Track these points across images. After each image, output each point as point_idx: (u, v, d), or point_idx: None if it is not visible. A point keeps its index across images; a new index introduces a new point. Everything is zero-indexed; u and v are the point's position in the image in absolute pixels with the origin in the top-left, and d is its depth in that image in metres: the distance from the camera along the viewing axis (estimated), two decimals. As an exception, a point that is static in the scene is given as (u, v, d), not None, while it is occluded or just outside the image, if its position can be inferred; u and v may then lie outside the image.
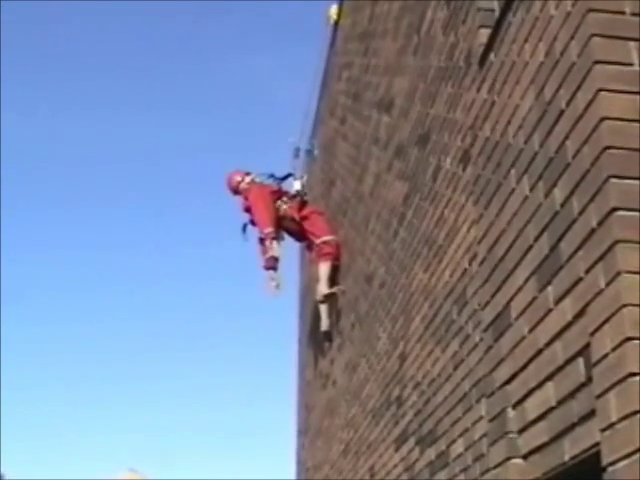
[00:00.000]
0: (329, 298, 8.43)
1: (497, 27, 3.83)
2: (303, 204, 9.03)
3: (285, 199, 8.92)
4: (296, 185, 9.18)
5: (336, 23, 9.89)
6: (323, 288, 8.40)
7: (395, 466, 5.63)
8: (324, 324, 8.60)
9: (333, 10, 9.92)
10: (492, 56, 3.92)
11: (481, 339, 3.96)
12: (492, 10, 4.17)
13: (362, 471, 6.73)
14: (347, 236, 8.30)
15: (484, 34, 4.09)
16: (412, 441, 5.22)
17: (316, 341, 9.62)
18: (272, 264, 8.41)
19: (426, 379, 4.96)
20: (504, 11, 3.76)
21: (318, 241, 8.63)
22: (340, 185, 9.04)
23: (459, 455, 4.26)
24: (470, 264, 4.20)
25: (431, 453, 4.78)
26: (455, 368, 4.40)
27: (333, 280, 8.44)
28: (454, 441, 4.35)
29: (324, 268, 8.43)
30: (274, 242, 8.44)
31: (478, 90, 4.12)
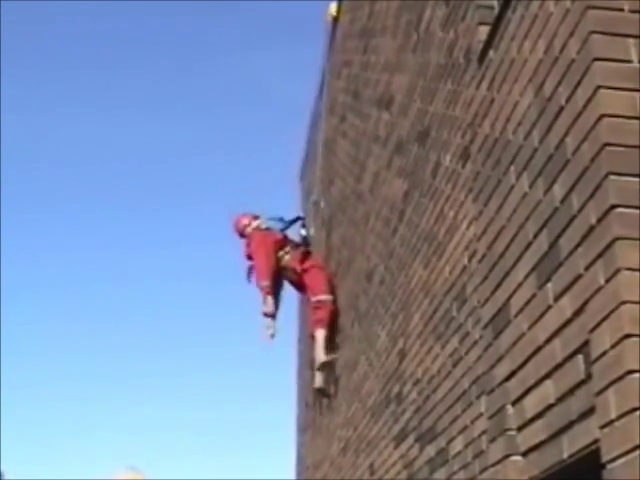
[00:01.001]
0: (327, 366, 8.36)
1: (496, 24, 3.83)
2: (306, 255, 8.91)
3: (288, 249, 8.79)
4: (302, 232, 9.09)
5: (335, 20, 9.89)
6: (321, 356, 8.33)
7: (394, 463, 5.63)
8: (317, 381, 8.52)
9: (333, 7, 9.92)
10: (491, 53, 3.92)
11: (481, 336, 3.96)
12: (491, 7, 4.17)
13: (362, 468, 6.73)
14: (347, 233, 8.30)
15: (483, 31, 4.08)
16: (412, 438, 5.22)
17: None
18: (269, 315, 8.45)
19: (426, 376, 4.96)
20: (503, 8, 3.75)
21: (314, 299, 8.56)
22: (340, 183, 9.03)
23: (458, 452, 4.26)
24: (470, 261, 4.20)
25: (431, 450, 4.78)
26: (455, 365, 4.40)
27: (330, 345, 8.35)
28: (453, 438, 4.35)
29: (320, 335, 8.34)
30: (268, 297, 8.39)
31: (477, 87, 4.12)
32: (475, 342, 4.06)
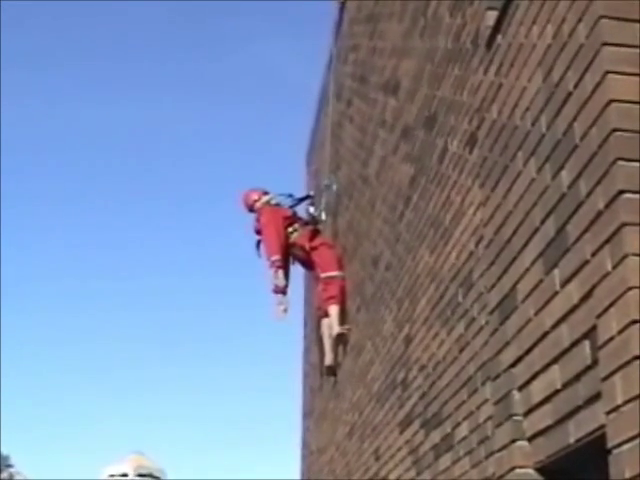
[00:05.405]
0: (341, 339, 8.38)
1: (505, 9, 3.81)
2: (315, 233, 8.89)
3: (297, 226, 8.79)
4: (311, 210, 9.07)
5: (343, 5, 9.86)
6: (336, 328, 8.36)
7: (400, 449, 5.64)
8: (328, 358, 8.58)
9: (340, -9, 9.89)
10: (499, 38, 3.90)
11: (487, 322, 3.96)
12: (500, -8, 4.15)
13: (367, 453, 6.75)
14: (353, 218, 8.29)
15: (491, 16, 4.06)
16: (417, 424, 5.23)
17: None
18: (280, 289, 8.47)
19: (431, 362, 4.96)
20: (512, -8, 3.73)
21: (323, 275, 8.56)
22: (346, 168, 9.02)
23: (464, 438, 4.27)
24: (476, 247, 4.19)
25: (436, 436, 4.79)
26: (460, 351, 4.40)
27: (343, 319, 8.39)
28: (459, 424, 4.36)
29: (333, 311, 8.39)
30: (279, 271, 8.43)
31: (485, 72, 4.10)
32: (481, 328, 4.06)
